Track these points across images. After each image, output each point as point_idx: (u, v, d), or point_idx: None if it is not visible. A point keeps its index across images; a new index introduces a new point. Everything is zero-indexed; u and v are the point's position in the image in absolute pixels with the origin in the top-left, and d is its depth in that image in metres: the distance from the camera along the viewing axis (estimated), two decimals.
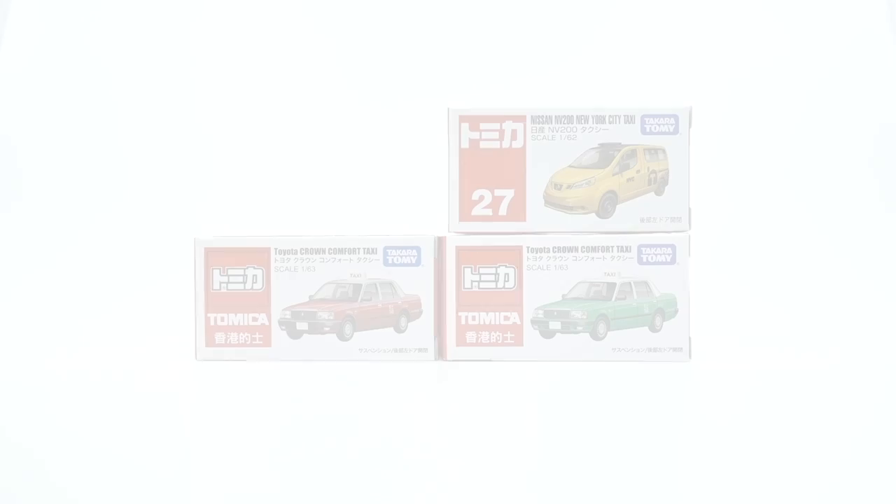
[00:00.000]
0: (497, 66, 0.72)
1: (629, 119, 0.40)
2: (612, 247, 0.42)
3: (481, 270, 0.42)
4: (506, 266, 0.42)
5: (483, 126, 0.41)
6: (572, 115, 0.40)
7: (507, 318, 0.42)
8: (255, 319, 0.43)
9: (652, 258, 0.42)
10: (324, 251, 0.43)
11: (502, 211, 0.41)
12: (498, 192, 0.40)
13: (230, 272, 0.43)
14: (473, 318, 0.42)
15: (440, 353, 0.43)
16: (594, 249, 0.42)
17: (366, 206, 0.74)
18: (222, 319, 0.43)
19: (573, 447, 0.25)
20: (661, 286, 0.42)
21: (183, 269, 0.49)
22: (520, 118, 0.40)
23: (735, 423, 0.28)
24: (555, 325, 0.42)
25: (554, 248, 0.42)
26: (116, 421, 0.29)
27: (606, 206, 0.41)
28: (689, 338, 0.42)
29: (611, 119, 0.40)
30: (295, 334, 0.43)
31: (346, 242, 0.43)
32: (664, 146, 0.40)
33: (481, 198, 0.40)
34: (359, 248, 0.43)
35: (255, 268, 0.43)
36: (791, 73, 0.77)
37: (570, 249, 0.42)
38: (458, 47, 0.71)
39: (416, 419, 0.30)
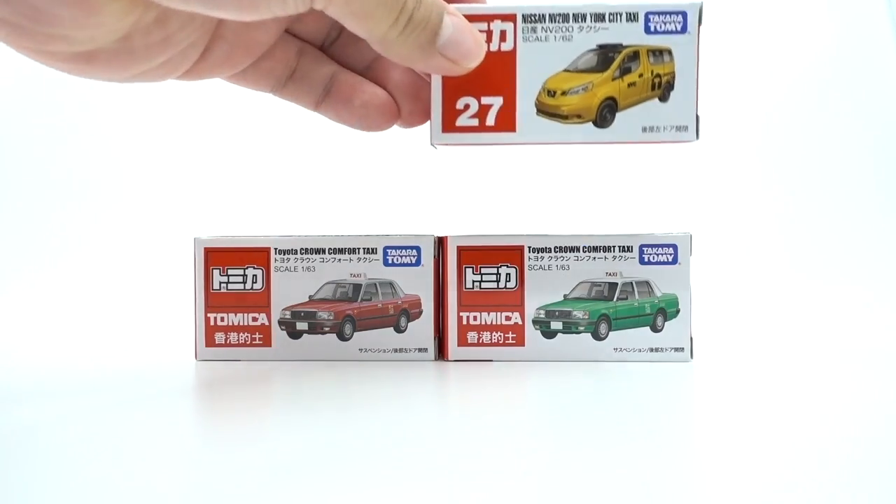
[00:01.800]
0: None
1: (632, 17, 0.36)
2: (614, 247, 0.42)
3: (483, 270, 0.42)
4: (507, 266, 0.42)
5: (474, 26, 0.36)
6: (568, 13, 0.36)
7: (508, 318, 0.42)
8: (255, 319, 0.42)
9: (654, 258, 0.41)
10: (324, 251, 0.42)
11: (490, 121, 0.36)
12: (485, 101, 0.36)
13: (230, 272, 0.43)
14: (475, 318, 0.42)
15: (441, 352, 0.43)
16: (596, 249, 0.42)
17: (366, 207, 0.73)
18: (222, 319, 0.42)
19: (574, 447, 0.24)
20: (662, 286, 0.41)
21: (183, 269, 0.49)
22: (509, 17, 0.36)
23: (736, 423, 0.28)
24: (556, 325, 0.42)
25: (556, 247, 0.42)
26: (116, 421, 0.28)
27: (605, 114, 0.37)
28: (691, 338, 0.41)
29: (611, 17, 0.36)
30: (295, 334, 0.42)
31: (346, 242, 0.42)
32: (670, 46, 0.36)
33: (466, 106, 0.36)
34: (359, 248, 0.42)
35: (255, 268, 0.43)
36: (795, 67, 0.77)
37: (571, 249, 0.42)
38: None
39: (416, 419, 0.29)
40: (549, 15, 0.36)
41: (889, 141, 0.73)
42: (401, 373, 0.39)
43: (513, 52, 0.36)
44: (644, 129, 0.36)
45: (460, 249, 0.42)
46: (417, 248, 0.42)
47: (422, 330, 0.42)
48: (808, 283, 0.65)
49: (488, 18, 0.36)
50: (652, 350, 0.41)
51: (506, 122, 0.36)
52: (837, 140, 0.73)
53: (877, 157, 0.72)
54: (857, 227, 0.69)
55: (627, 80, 0.37)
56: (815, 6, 0.78)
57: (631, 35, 0.36)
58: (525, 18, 0.36)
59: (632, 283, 0.42)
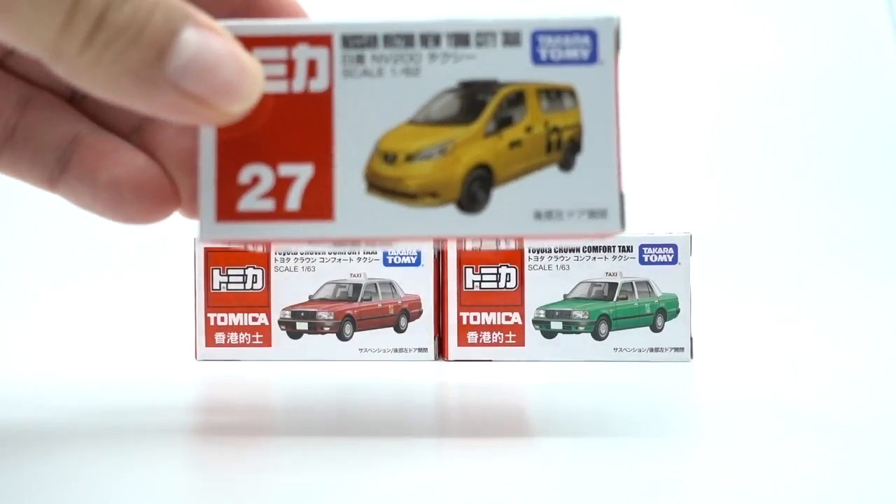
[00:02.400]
0: None
1: (512, 38, 0.23)
2: (614, 247, 0.42)
3: (483, 270, 0.42)
4: (507, 266, 0.42)
5: (260, 53, 0.23)
6: (412, 34, 0.23)
7: (508, 318, 0.42)
8: (255, 319, 0.42)
9: (654, 258, 0.41)
10: (324, 251, 0.43)
11: (292, 203, 0.23)
12: (285, 170, 0.23)
13: (230, 272, 0.43)
14: (475, 318, 0.42)
15: (441, 352, 0.43)
16: (596, 249, 0.42)
17: None
18: (222, 319, 0.43)
19: (574, 446, 0.24)
20: (662, 286, 0.41)
21: (183, 269, 0.49)
22: (321, 39, 0.23)
23: (736, 423, 0.28)
24: (556, 325, 0.42)
25: (556, 247, 0.42)
26: (116, 421, 0.28)
27: (475, 190, 0.23)
28: (691, 338, 0.41)
29: (479, 38, 0.23)
30: (295, 334, 0.42)
31: None
32: (573, 85, 0.23)
33: (255, 180, 0.23)
34: (359, 248, 0.42)
35: (255, 268, 0.43)
36: (791, 73, 0.77)
37: (571, 249, 0.42)
38: None
39: (416, 419, 0.29)
40: (385, 36, 0.23)
41: (889, 141, 0.73)
42: (401, 373, 0.39)
43: (328, 95, 0.23)
44: (538, 216, 0.23)
45: (460, 249, 0.42)
46: (417, 248, 0.42)
47: (422, 330, 0.42)
48: (808, 282, 0.65)
49: (286, 41, 0.23)
50: (652, 350, 0.41)
51: (318, 204, 0.23)
52: (837, 140, 0.73)
53: (877, 157, 0.72)
54: (856, 228, 0.69)
55: (508, 138, 0.23)
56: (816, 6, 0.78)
57: (511, 66, 0.23)
58: (347, 41, 0.23)
59: (632, 283, 0.42)
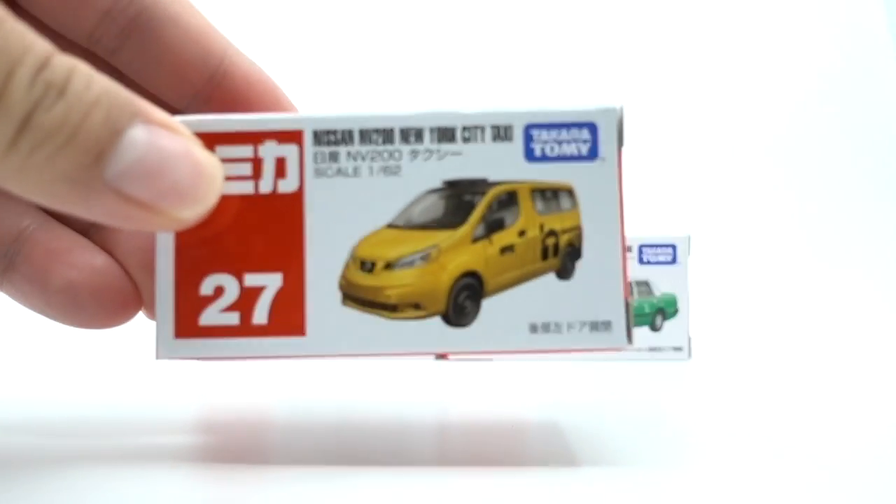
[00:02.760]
0: None
1: (503, 132, 0.21)
2: None
3: None
4: None
5: (222, 152, 0.21)
6: (392, 128, 0.21)
7: None
8: None
9: (653, 258, 0.42)
10: None
11: (259, 316, 0.20)
12: (252, 280, 0.21)
13: None
14: None
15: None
16: None
17: None
18: None
19: (573, 446, 0.25)
20: (661, 286, 0.42)
21: None
22: (290, 135, 0.21)
23: (735, 422, 0.28)
24: None
25: None
26: (116, 421, 0.29)
27: (463, 301, 0.21)
28: (690, 337, 0.42)
29: (466, 133, 0.21)
30: None
31: None
32: (571, 183, 0.21)
33: (218, 291, 0.21)
34: None
35: None
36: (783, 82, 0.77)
37: None
38: None
39: (416, 419, 0.30)
40: (361, 131, 0.21)
41: (889, 142, 0.73)
42: (401, 373, 0.39)
43: (298, 196, 0.21)
44: (534, 329, 0.21)
45: None
46: None
47: None
48: (806, 282, 0.65)
49: (252, 138, 0.21)
50: (651, 349, 0.42)
51: (288, 318, 0.21)
52: (837, 140, 0.74)
53: (876, 157, 0.73)
54: (855, 228, 0.69)
55: (499, 243, 0.21)
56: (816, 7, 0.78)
57: (502, 164, 0.21)
58: (319, 137, 0.21)
59: (631, 282, 0.42)
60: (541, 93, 0.72)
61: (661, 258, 0.42)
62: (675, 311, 0.42)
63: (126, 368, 0.45)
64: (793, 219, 0.71)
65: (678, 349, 0.42)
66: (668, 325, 0.42)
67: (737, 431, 0.27)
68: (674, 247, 0.42)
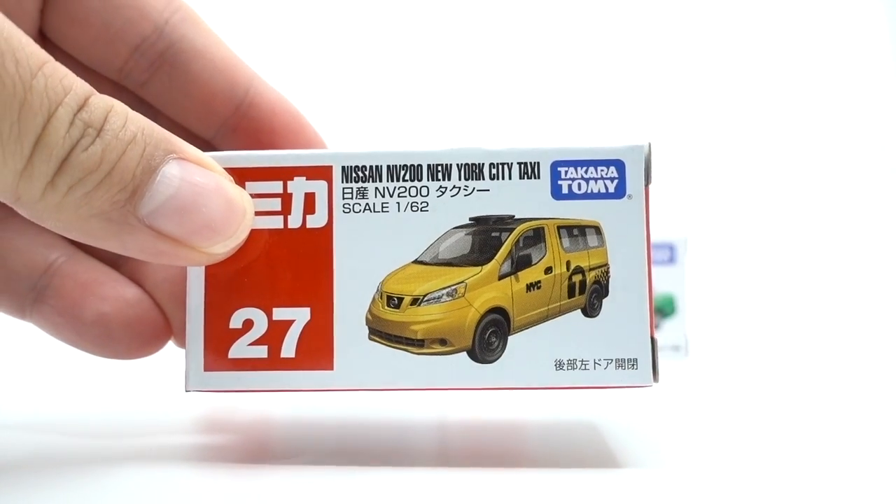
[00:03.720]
0: None
1: (530, 169, 0.21)
2: None
3: None
4: None
5: (252, 188, 0.21)
6: (420, 164, 0.21)
7: None
8: None
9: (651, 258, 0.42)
10: None
11: (287, 350, 0.21)
12: (280, 314, 0.21)
13: None
14: None
15: None
16: None
17: None
18: None
19: (572, 445, 0.25)
20: (660, 286, 0.42)
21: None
22: (319, 171, 0.21)
23: (733, 421, 0.29)
24: None
25: None
26: (116, 421, 0.29)
27: (490, 337, 0.21)
28: (687, 337, 0.42)
29: (494, 170, 0.21)
30: None
31: None
32: (599, 221, 0.21)
33: (247, 325, 0.21)
34: None
35: None
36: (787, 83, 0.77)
37: None
38: None
39: (415, 418, 0.30)
40: (389, 167, 0.21)
41: (888, 142, 0.73)
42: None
43: (327, 231, 0.21)
44: (559, 365, 0.21)
45: None
46: None
47: None
48: (805, 282, 0.65)
49: (282, 174, 0.21)
50: None
51: (316, 352, 0.21)
52: (836, 140, 0.74)
53: (875, 157, 0.73)
54: (854, 228, 0.70)
55: (525, 280, 0.21)
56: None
57: (529, 201, 0.21)
58: (348, 173, 0.21)
59: None
60: (540, 95, 0.72)
61: (659, 257, 0.42)
62: (673, 311, 0.42)
63: (126, 368, 0.44)
64: (792, 219, 0.71)
65: (676, 348, 0.42)
66: (666, 325, 0.42)
67: (734, 430, 0.27)
68: (672, 247, 0.42)
